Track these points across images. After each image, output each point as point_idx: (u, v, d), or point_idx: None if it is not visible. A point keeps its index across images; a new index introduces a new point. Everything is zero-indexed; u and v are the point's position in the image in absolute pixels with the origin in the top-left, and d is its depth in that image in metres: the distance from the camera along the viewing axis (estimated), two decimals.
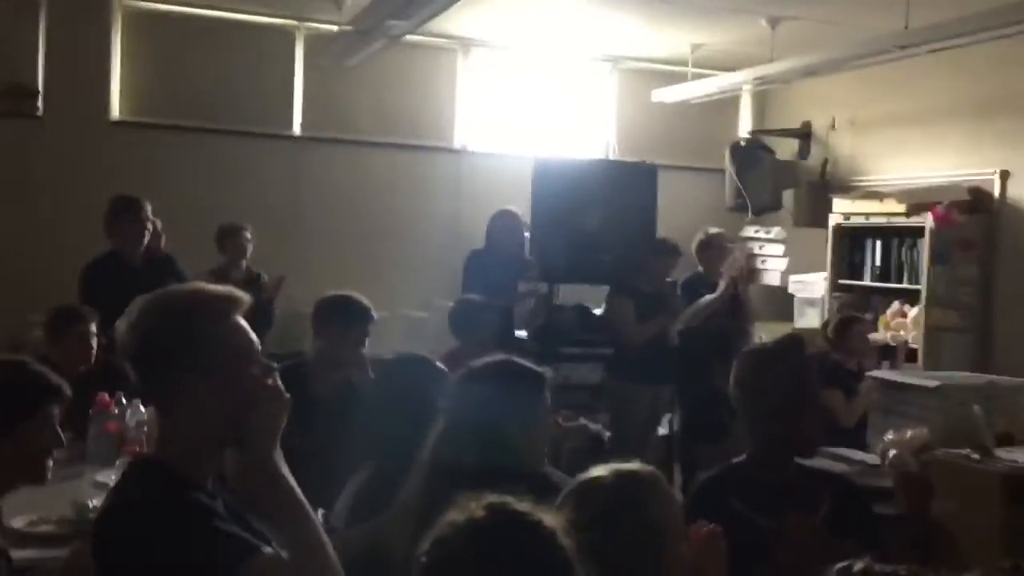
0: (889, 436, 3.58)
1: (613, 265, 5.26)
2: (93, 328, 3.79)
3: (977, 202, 5.87)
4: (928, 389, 3.67)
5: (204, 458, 1.59)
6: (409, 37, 6.04)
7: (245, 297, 1.64)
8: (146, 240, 4.73)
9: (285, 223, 6.52)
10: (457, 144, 7.20)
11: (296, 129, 6.84)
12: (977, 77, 5.93)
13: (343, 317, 3.54)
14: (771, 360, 2.44)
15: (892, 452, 3.54)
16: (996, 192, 5.88)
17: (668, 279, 5.43)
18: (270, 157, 6.68)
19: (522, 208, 5.69)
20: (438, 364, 2.80)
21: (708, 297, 5.37)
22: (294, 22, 6.73)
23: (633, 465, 1.84)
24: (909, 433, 3.51)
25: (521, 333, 5.53)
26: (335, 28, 6.29)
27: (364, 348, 3.56)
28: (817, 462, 3.40)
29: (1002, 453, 3.17)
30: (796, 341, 2.67)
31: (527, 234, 5.57)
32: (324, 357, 3.57)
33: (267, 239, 5.83)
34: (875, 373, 4.21)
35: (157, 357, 1.58)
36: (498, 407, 2.16)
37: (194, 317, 1.58)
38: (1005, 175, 5.84)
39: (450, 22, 6.33)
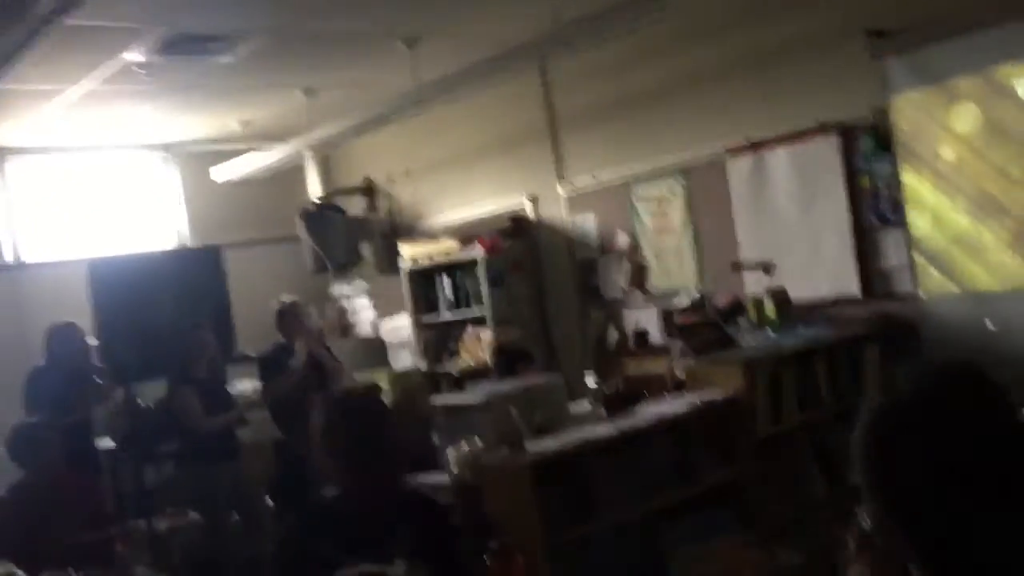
0: (449, 454, 3.95)
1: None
2: None
3: (518, 227, 6.59)
4: (477, 405, 4.10)
5: None
6: None
7: None
8: None
9: None
10: (9, 258, 6.77)
11: None
12: (496, 118, 6.68)
13: None
14: (336, 409, 2.62)
15: (454, 469, 3.91)
16: (532, 215, 6.64)
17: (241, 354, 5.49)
18: None
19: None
20: None
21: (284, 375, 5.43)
22: None
23: None
24: (463, 446, 3.90)
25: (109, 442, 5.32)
26: None
27: None
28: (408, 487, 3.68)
29: (531, 445, 3.61)
30: (367, 394, 2.87)
31: (94, 341, 5.38)
32: None
33: None
34: (435, 399, 4.61)
35: None
36: None
37: None
38: (535, 199, 6.62)
39: None
